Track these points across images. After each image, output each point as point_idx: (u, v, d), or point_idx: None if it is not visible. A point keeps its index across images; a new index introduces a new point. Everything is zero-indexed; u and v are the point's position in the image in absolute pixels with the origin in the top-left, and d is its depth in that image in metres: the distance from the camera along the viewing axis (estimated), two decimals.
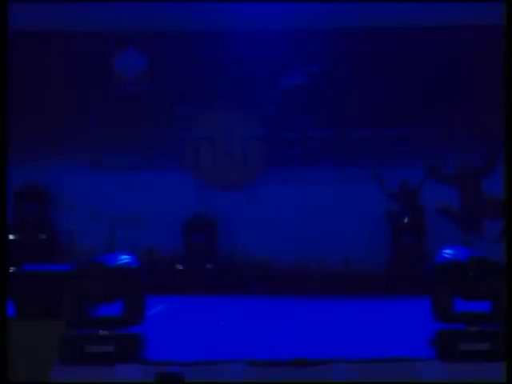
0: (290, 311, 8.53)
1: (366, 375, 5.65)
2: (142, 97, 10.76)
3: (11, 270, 6.21)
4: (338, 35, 10.56)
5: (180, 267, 10.34)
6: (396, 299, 9.03)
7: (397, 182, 10.41)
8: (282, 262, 10.38)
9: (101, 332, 5.80)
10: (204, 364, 5.75)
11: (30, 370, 5.93)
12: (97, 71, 10.68)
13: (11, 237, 9.69)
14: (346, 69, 10.60)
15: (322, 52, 10.64)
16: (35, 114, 10.42)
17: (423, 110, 10.50)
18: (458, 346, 5.67)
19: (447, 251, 6.05)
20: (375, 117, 10.55)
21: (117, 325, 5.84)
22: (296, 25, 10.59)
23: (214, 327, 7.46)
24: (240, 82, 10.64)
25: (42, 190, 10.41)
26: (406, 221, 10.11)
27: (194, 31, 10.61)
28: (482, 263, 5.84)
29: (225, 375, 5.68)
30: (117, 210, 10.59)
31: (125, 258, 6.01)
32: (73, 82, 10.63)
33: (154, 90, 10.75)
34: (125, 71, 10.82)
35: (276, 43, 10.64)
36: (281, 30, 10.63)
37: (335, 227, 10.25)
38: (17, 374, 5.91)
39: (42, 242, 10.10)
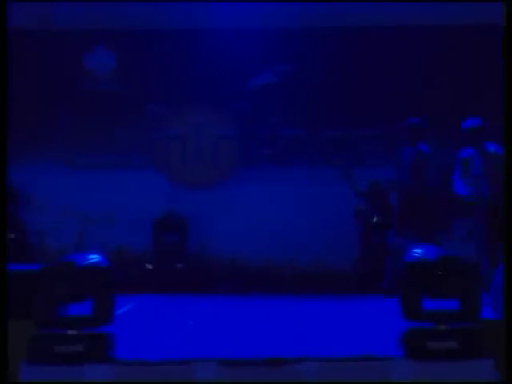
0: (261, 310, 8.53)
1: (335, 374, 5.66)
2: (113, 95, 10.73)
3: None
4: (310, 35, 10.59)
5: (150, 266, 10.32)
6: (366, 298, 9.07)
7: (368, 182, 10.46)
8: (252, 261, 10.39)
9: (70, 332, 5.78)
10: (174, 364, 5.73)
11: None
12: (67, 70, 10.65)
13: None
14: (319, 68, 10.63)
15: (294, 52, 10.66)
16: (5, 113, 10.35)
17: (396, 110, 10.55)
18: (427, 344, 5.70)
19: (416, 250, 6.08)
20: (348, 117, 10.59)
21: (86, 324, 5.82)
22: (268, 24, 10.61)
23: (184, 326, 7.45)
24: (212, 81, 10.63)
25: (12, 189, 10.34)
26: (375, 220, 10.16)
27: (166, 30, 10.60)
28: (451, 262, 5.87)
29: (195, 375, 5.66)
30: (88, 210, 10.56)
31: (94, 258, 5.99)
32: (44, 81, 10.59)
33: (125, 89, 10.73)
34: (96, 70, 10.78)
35: (248, 42, 10.64)
36: (253, 29, 10.64)
37: (306, 227, 10.27)
38: None
39: (10, 241, 10.03)
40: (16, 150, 9.68)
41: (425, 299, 5.80)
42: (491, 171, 8.63)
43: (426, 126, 9.48)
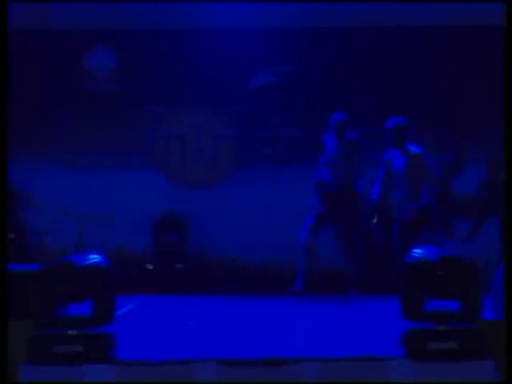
0: (261, 310, 8.53)
1: (335, 374, 5.66)
2: (113, 95, 10.74)
3: None
4: (310, 35, 10.58)
5: (150, 266, 10.33)
6: (366, 298, 9.07)
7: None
8: (252, 261, 10.39)
9: (70, 332, 5.77)
10: (174, 364, 5.73)
11: None
12: (67, 70, 10.65)
13: None
14: (319, 69, 10.63)
15: (294, 52, 10.66)
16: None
17: (395, 111, 10.55)
18: (427, 344, 5.71)
19: (416, 250, 6.08)
20: (348, 116, 10.58)
21: (86, 325, 5.82)
22: (268, 24, 10.61)
23: (184, 326, 7.45)
24: (212, 81, 10.63)
25: (11, 189, 10.33)
26: (375, 220, 10.13)
27: (166, 30, 10.60)
28: (452, 262, 5.87)
29: (195, 375, 5.66)
30: (88, 210, 10.57)
31: (94, 258, 5.99)
32: (44, 81, 10.58)
33: (125, 89, 10.73)
34: (95, 70, 10.78)
35: (248, 42, 10.64)
36: (253, 29, 10.64)
37: None
38: None
39: (10, 241, 10.03)
40: (16, 150, 9.70)
41: (425, 300, 5.79)
42: (412, 172, 8.62)
43: (350, 121, 9.37)
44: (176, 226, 10.43)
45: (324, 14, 10.48)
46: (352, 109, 10.51)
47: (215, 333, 7.04)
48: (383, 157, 8.94)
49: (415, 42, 10.51)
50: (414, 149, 8.78)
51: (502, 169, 7.36)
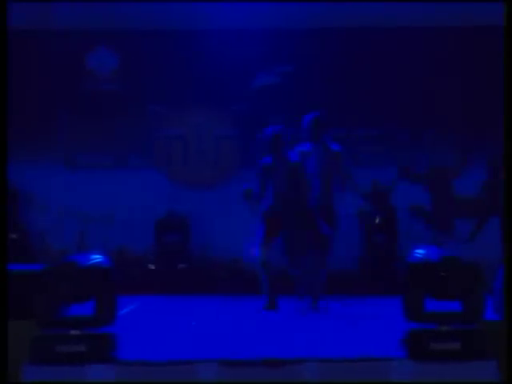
0: (262, 310, 8.52)
1: (336, 375, 5.66)
2: (114, 95, 10.74)
3: None
4: (311, 35, 10.59)
5: (152, 267, 10.33)
6: (368, 299, 9.07)
7: (369, 183, 10.46)
8: (254, 261, 10.37)
9: (72, 332, 5.78)
10: (176, 364, 5.73)
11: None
12: (68, 70, 10.65)
13: None
14: (319, 69, 10.64)
15: (294, 52, 10.67)
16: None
17: (396, 111, 10.56)
18: (429, 345, 5.71)
19: (419, 251, 6.09)
20: (348, 117, 10.59)
21: (88, 325, 5.82)
22: (268, 25, 10.61)
23: (186, 326, 7.46)
24: (213, 81, 10.64)
25: (12, 189, 10.34)
26: (377, 221, 10.15)
27: (166, 30, 10.61)
28: (454, 262, 5.87)
29: (197, 375, 5.67)
30: (90, 210, 10.57)
31: (96, 258, 5.99)
32: (44, 81, 10.59)
33: (125, 89, 10.74)
34: (96, 70, 10.79)
35: (248, 43, 10.65)
36: (253, 29, 10.64)
37: None
38: None
39: (12, 242, 10.03)
40: (16, 150, 9.70)
41: (427, 300, 5.80)
42: (326, 169, 8.33)
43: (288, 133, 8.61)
44: (177, 226, 10.43)
45: (324, 14, 10.48)
46: (352, 109, 10.54)
47: (217, 333, 7.04)
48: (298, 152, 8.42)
49: (415, 43, 10.52)
50: (332, 146, 8.52)
51: (502, 169, 7.36)
